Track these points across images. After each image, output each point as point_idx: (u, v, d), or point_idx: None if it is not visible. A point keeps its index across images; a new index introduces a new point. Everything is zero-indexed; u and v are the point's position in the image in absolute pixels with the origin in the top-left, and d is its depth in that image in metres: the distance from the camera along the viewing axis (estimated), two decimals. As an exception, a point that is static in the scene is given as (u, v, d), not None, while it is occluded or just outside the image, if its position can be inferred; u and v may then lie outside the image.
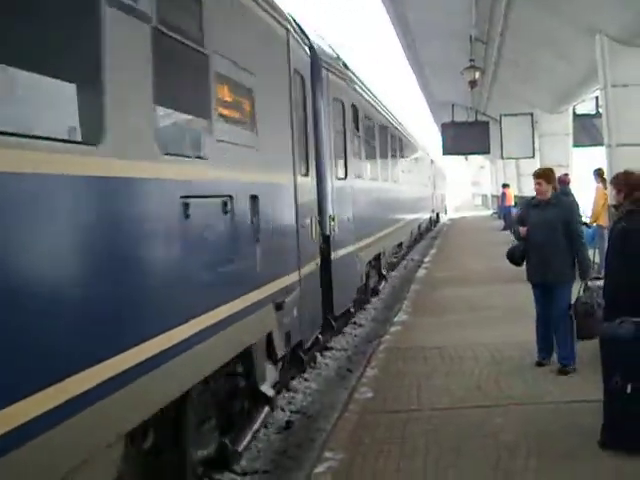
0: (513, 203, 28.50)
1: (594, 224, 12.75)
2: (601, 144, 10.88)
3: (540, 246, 6.88)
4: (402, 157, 19.20)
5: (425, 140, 32.60)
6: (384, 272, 14.61)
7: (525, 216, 7.28)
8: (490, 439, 5.18)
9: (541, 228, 6.93)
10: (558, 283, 6.86)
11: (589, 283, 6.85)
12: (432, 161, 34.21)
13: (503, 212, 30.39)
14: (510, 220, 28.31)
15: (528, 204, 7.50)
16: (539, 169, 7.63)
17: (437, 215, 38.87)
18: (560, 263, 6.80)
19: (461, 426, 5.53)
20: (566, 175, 13.44)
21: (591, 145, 17.77)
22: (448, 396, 6.35)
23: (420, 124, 40.99)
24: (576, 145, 18.46)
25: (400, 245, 18.97)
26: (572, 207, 6.90)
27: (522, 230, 7.09)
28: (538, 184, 7.02)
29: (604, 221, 12.24)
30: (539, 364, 7.05)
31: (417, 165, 25.58)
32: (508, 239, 23.16)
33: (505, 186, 30.62)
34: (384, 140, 15.38)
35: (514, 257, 7.24)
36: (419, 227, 26.22)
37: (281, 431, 6.69)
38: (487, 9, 12.69)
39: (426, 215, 29.57)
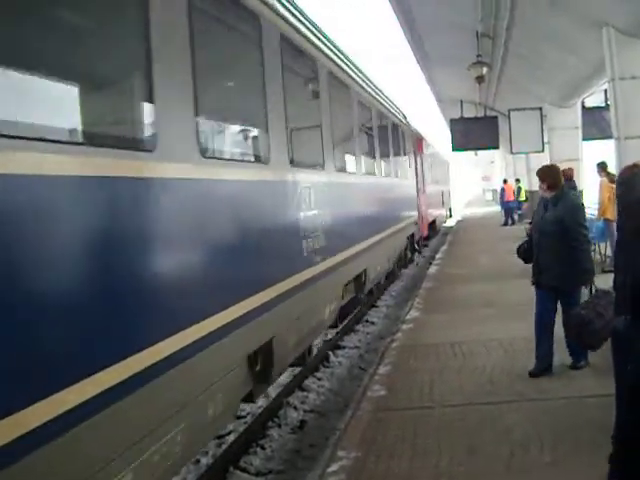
0: (523, 198, 28.41)
1: (602, 218, 12.69)
2: (611, 137, 10.84)
3: (535, 245, 6.66)
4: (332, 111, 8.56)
5: (411, 110, 23.24)
6: None
7: (536, 213, 6.99)
8: (503, 435, 5.19)
9: (538, 227, 6.68)
10: (555, 287, 6.50)
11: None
12: (422, 140, 22.61)
13: (503, 207, 30.20)
14: (510, 216, 28.36)
15: (542, 200, 7.01)
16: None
17: (431, 225, 25.36)
18: (557, 267, 6.41)
19: (473, 423, 5.54)
20: (570, 169, 13.30)
21: (601, 138, 17.69)
22: (460, 393, 6.36)
23: (431, 121, 40.96)
24: (586, 138, 18.38)
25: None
26: (569, 209, 6.44)
27: (528, 227, 6.91)
28: None
29: (611, 215, 12.18)
30: (531, 374, 6.57)
31: (385, 143, 13.81)
32: (517, 234, 23.23)
33: (505, 181, 30.55)
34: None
35: (518, 253, 6.95)
36: (362, 279, 10.30)
37: (295, 431, 6.73)
38: (492, 4, 12.67)
39: (398, 238, 15.30)
